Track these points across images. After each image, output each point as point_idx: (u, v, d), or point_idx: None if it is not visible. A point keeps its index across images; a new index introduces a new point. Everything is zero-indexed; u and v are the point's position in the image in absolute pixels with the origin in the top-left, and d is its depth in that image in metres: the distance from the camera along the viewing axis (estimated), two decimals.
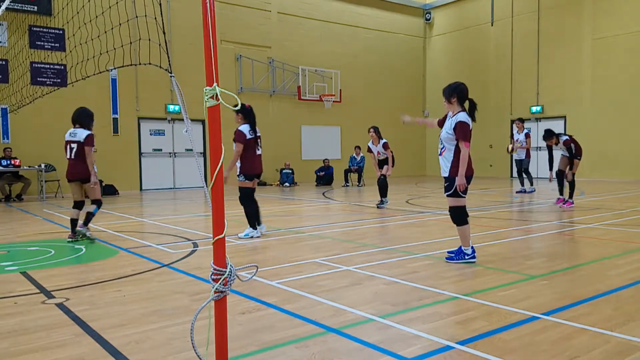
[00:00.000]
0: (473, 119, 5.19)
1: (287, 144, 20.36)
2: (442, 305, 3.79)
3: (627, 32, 17.80)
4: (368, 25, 22.65)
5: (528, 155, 13.40)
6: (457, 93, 5.21)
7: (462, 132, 5.09)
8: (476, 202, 11.35)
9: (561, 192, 10.14)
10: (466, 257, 5.19)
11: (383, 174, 10.39)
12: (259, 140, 7.12)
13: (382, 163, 10.57)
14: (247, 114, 6.99)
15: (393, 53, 23.51)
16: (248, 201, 7.10)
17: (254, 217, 7.12)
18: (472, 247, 5.25)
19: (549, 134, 9.97)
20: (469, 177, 5.18)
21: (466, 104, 5.24)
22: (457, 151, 5.15)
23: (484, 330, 3.21)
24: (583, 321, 3.35)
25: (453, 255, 5.28)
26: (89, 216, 7.12)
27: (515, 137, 13.45)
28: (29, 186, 14.38)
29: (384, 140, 10.46)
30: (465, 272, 4.82)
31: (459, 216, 5.23)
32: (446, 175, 5.24)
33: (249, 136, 6.92)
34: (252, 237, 7.05)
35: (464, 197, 5.22)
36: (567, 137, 9.90)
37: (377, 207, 10.40)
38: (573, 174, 9.85)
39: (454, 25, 23.57)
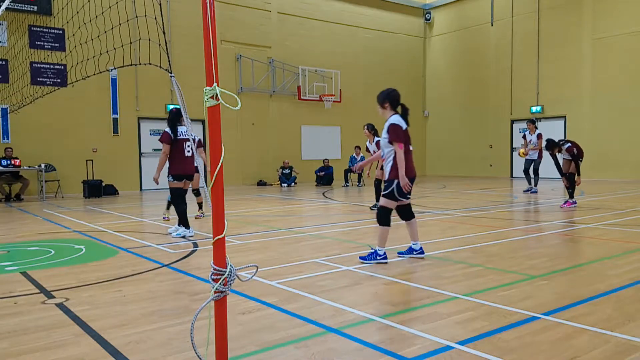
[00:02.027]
0: (407, 124, 5.33)
1: (287, 144, 20.37)
2: (442, 305, 3.79)
3: (627, 32, 17.80)
4: (368, 25, 22.65)
5: (540, 155, 13.59)
6: (389, 99, 5.38)
7: (393, 133, 5.24)
8: (476, 202, 11.36)
9: (572, 195, 10.07)
10: (378, 258, 5.25)
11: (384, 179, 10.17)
12: (188, 142, 7.29)
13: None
14: (170, 115, 7.23)
15: (393, 53, 23.51)
16: (179, 201, 7.28)
17: (185, 216, 7.27)
18: (384, 250, 5.31)
19: (552, 144, 10.06)
20: (409, 178, 5.27)
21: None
22: (394, 155, 5.29)
23: (484, 330, 3.22)
24: (583, 321, 3.35)
25: (366, 256, 5.33)
26: (169, 204, 9.24)
27: (528, 138, 13.61)
28: (27, 186, 14.37)
29: (378, 139, 10.17)
30: (465, 272, 4.83)
31: (384, 217, 5.32)
32: (387, 178, 5.36)
33: (173, 137, 7.12)
34: (184, 236, 7.18)
35: (398, 201, 5.30)
36: (569, 144, 9.91)
37: (371, 209, 10.24)
38: (576, 175, 9.89)
39: (454, 25, 23.57)
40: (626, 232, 7.02)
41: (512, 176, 21.29)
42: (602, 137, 18.38)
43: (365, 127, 10.28)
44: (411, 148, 5.39)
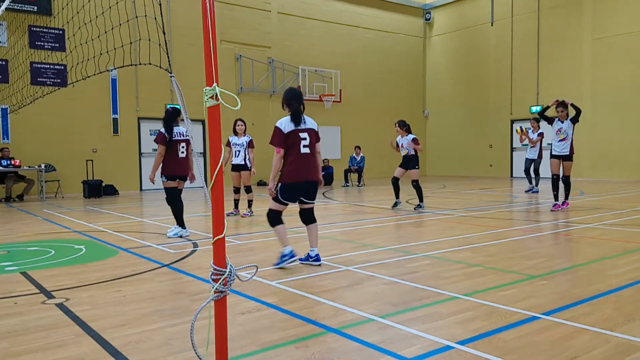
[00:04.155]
0: (297, 124, 5.11)
1: None
2: (442, 305, 3.79)
3: (627, 32, 17.80)
4: (368, 25, 22.65)
5: (540, 155, 13.51)
6: (284, 100, 5.24)
7: (272, 137, 5.15)
8: (476, 202, 11.36)
9: (556, 197, 9.62)
10: (285, 259, 5.08)
11: (414, 179, 10.12)
12: (183, 143, 7.24)
13: (406, 160, 10.24)
14: (166, 115, 7.19)
15: (393, 53, 23.51)
16: (172, 201, 7.28)
17: (181, 216, 7.27)
18: (289, 249, 5.11)
19: (563, 104, 9.37)
20: (292, 184, 5.08)
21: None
22: (285, 159, 5.17)
23: (484, 330, 3.21)
24: (583, 321, 3.35)
25: (278, 262, 5.17)
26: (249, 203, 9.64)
27: (530, 136, 13.52)
28: (32, 187, 14.37)
29: (413, 136, 10.14)
30: (465, 272, 4.83)
31: (270, 218, 5.21)
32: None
33: (169, 138, 7.09)
34: (180, 236, 7.18)
35: (282, 204, 5.14)
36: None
37: (392, 209, 10.20)
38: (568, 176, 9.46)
39: (454, 25, 23.58)
40: (626, 232, 7.02)
41: (512, 176, 21.29)
42: (602, 137, 18.38)
43: (397, 124, 10.21)
44: (303, 151, 5.12)
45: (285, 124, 5.12)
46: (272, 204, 5.22)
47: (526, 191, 13.59)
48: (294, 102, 5.17)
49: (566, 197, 9.71)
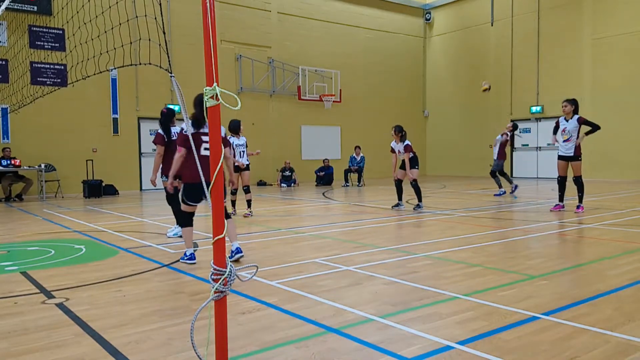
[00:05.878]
0: (197, 127, 5.25)
1: (287, 144, 20.36)
2: (442, 305, 3.79)
3: (627, 32, 17.80)
4: (368, 25, 22.66)
5: (500, 156, 12.89)
6: (193, 104, 5.31)
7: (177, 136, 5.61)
8: (476, 202, 11.35)
9: (560, 198, 9.43)
10: (184, 258, 5.40)
11: (413, 178, 10.07)
12: None
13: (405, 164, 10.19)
14: (162, 117, 7.24)
15: (393, 53, 23.51)
16: (173, 201, 7.29)
17: (180, 216, 7.27)
18: (191, 251, 5.39)
19: (573, 102, 9.42)
20: (191, 184, 5.22)
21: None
22: (186, 160, 5.33)
23: (484, 330, 3.21)
24: (583, 321, 3.35)
25: (182, 257, 5.51)
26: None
27: (498, 137, 13.38)
28: (30, 186, 14.38)
29: (406, 143, 10.04)
30: (465, 272, 4.83)
31: (181, 218, 5.54)
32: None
33: (167, 138, 7.16)
34: (180, 236, 7.18)
35: (188, 205, 5.35)
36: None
37: (392, 208, 10.21)
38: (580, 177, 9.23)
39: (454, 25, 23.58)
40: (626, 232, 7.02)
41: (511, 176, 21.28)
42: (602, 137, 18.25)
43: (393, 129, 10.20)
44: (203, 153, 5.23)
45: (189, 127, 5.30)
46: (182, 206, 5.48)
47: (511, 192, 12.88)
48: (196, 108, 5.29)
49: (580, 200, 9.28)
